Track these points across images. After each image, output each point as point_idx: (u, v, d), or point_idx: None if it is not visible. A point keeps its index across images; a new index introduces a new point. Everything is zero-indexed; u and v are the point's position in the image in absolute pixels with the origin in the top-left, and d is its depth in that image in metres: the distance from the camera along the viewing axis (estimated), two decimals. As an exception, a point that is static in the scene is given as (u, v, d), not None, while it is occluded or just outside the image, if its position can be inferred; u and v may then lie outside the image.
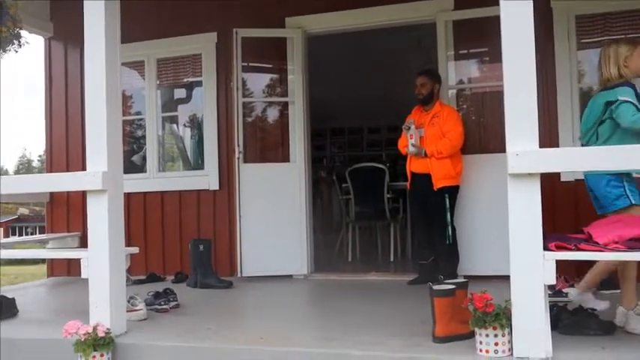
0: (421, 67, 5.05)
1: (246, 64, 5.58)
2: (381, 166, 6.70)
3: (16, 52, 3.98)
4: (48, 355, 3.32)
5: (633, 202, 3.16)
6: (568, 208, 4.68)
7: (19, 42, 4.04)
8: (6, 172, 65.93)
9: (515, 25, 2.68)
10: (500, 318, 2.65)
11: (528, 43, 2.66)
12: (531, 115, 2.65)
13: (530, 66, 2.66)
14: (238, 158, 5.48)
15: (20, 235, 38.11)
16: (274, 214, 5.46)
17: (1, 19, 3.78)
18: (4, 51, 3.95)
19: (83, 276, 3.39)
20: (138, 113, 6.36)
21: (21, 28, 4.04)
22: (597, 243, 2.71)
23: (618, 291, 4.20)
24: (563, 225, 3.81)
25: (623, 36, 4.94)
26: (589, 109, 3.42)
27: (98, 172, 3.29)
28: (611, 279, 4.24)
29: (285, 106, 5.74)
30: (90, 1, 3.36)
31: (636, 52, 3.25)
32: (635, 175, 3.27)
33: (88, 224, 3.38)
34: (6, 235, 38.48)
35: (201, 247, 5.17)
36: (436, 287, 2.99)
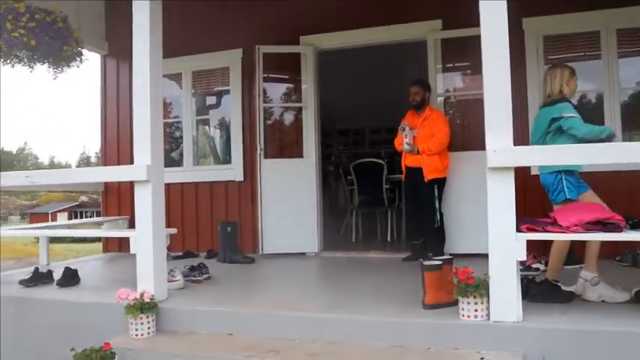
0: (414, 78, 5.01)
1: (266, 75, 5.56)
2: (380, 161, 6.67)
3: (78, 67, 4.00)
4: (104, 316, 3.36)
5: (567, 196, 3.18)
6: (536, 197, 4.60)
7: (81, 59, 4.05)
8: (69, 166, 66.48)
9: (493, 44, 2.68)
10: (480, 288, 2.65)
11: (504, 59, 2.65)
12: (507, 117, 2.64)
13: (506, 78, 2.65)
14: (260, 154, 5.48)
15: (80, 217, 38.56)
16: (290, 201, 5.44)
17: (67, 40, 3.80)
18: (69, 67, 3.97)
19: (132, 252, 3.42)
20: (176, 117, 6.37)
21: (82, 48, 4.05)
22: (561, 226, 2.70)
23: (580, 266, 4.20)
24: (532, 211, 3.76)
25: (583, 53, 4.92)
26: (536, 124, 3.44)
27: (143, 166, 3.31)
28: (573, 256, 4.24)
29: (299, 111, 5.72)
30: (137, 24, 3.37)
31: (574, 78, 3.35)
32: (580, 170, 3.30)
33: (135, 209, 3.40)
34: (69, 218, 38.92)
35: (229, 228, 5.18)
36: (426, 263, 2.99)
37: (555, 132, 3.24)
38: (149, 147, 3.34)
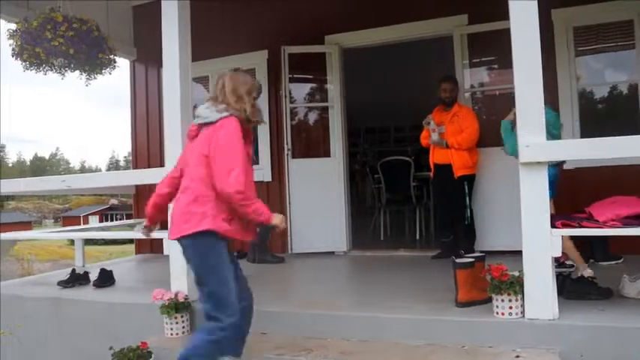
0: (442, 75, 4.96)
1: (292, 75, 5.58)
2: (407, 159, 6.63)
3: (110, 74, 4.11)
4: (140, 315, 3.44)
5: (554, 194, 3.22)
6: (568, 192, 4.54)
7: (114, 66, 4.16)
8: (99, 170, 68.15)
9: (524, 38, 2.62)
10: (514, 285, 2.62)
11: (535, 53, 2.61)
12: (539, 112, 2.60)
13: (538, 72, 2.60)
14: (287, 154, 5.51)
15: (111, 220, 39.45)
16: (318, 200, 5.45)
17: (102, 48, 3.91)
18: (102, 74, 4.08)
19: (165, 253, 3.49)
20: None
21: (115, 55, 4.16)
22: (597, 221, 2.65)
23: (616, 262, 4.10)
24: (564, 206, 3.69)
25: (614, 43, 4.79)
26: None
27: (176, 168, 3.36)
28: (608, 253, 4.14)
29: (325, 110, 5.72)
30: (167, 30, 3.44)
31: None
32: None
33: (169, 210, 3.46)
34: (100, 221, 39.90)
35: (259, 229, 5.21)
36: (458, 260, 2.97)
37: None
38: (180, 149, 3.39)
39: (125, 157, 72.42)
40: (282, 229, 2.55)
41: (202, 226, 2.34)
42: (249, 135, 2.55)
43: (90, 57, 3.98)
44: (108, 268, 4.35)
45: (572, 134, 4.70)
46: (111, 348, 2.97)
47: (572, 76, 4.79)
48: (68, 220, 43.44)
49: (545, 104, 3.05)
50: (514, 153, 3.00)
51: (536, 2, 2.59)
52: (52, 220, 48.84)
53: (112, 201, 46.57)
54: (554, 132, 3.38)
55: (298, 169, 5.52)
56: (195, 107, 2.75)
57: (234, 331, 2.37)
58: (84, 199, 47.27)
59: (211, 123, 2.43)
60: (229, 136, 2.36)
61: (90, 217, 43.23)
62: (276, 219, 2.45)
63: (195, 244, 2.39)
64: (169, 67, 3.45)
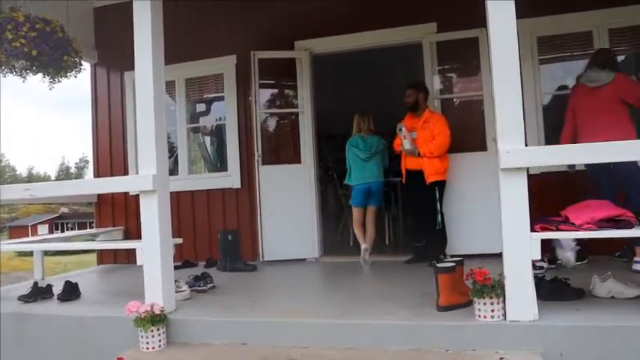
0: (409, 81, 5.05)
1: (262, 81, 5.55)
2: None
3: (76, 77, 3.94)
4: (111, 329, 3.30)
5: None
6: (535, 197, 4.70)
7: (79, 69, 4.00)
8: (48, 178, 65.31)
9: (503, 45, 2.70)
10: (496, 289, 2.68)
11: (514, 60, 2.69)
12: (518, 119, 2.67)
13: (516, 79, 2.69)
14: (257, 161, 5.46)
15: (62, 230, 37.88)
16: (289, 207, 5.43)
17: (67, 50, 3.75)
18: (66, 77, 3.91)
19: (138, 263, 3.37)
20: (168, 125, 6.30)
21: (81, 58, 4.00)
22: (573, 224, 2.75)
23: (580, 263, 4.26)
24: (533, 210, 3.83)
25: (570, 53, 5.02)
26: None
27: (149, 175, 3.28)
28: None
29: (295, 116, 5.71)
30: (139, 30, 3.33)
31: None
32: None
33: (142, 220, 3.36)
34: (50, 231, 38.23)
35: (230, 236, 5.14)
36: (439, 265, 3.01)
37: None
38: (154, 156, 3.31)
39: (77, 163, 69.75)
40: None
41: None
42: None
43: (54, 59, 3.80)
44: (73, 281, 4.16)
45: (538, 141, 4.87)
46: (84, 365, 2.84)
47: (537, 83, 4.97)
48: (16, 230, 41.39)
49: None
50: None
51: (514, 14, 2.67)
52: (-3, 231, 46.41)
53: (63, 209, 44.75)
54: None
55: (269, 175, 5.47)
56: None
57: None
58: (32, 208, 45.10)
59: None
60: None
61: (39, 226, 41.35)
62: None
63: None
64: (141, 70, 3.33)
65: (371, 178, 5.01)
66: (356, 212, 5.12)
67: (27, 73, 3.96)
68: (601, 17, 4.80)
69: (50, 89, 4.05)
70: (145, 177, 3.28)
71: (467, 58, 5.07)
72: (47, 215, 44.81)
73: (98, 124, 6.41)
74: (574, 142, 4.02)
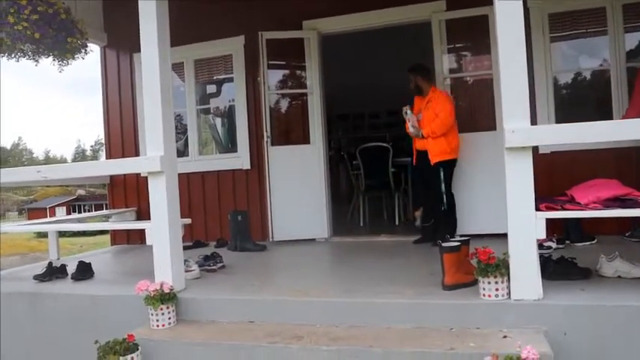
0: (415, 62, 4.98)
1: (270, 61, 5.52)
2: (386, 145, 6.68)
3: (83, 59, 3.97)
4: (122, 308, 3.38)
5: None
6: (545, 176, 4.66)
7: (86, 51, 4.01)
8: (64, 161, 66.21)
9: (509, 21, 2.64)
10: (500, 268, 2.68)
11: (520, 39, 2.64)
12: (524, 98, 2.64)
13: (522, 58, 2.64)
14: (267, 142, 5.47)
15: (79, 211, 38.53)
16: (299, 187, 5.45)
17: (72, 32, 3.76)
18: (74, 59, 3.93)
19: (148, 243, 3.43)
20: (178, 107, 6.33)
21: (87, 39, 4.01)
22: (579, 203, 2.73)
23: (590, 243, 4.24)
24: (541, 190, 3.80)
25: (585, 30, 4.90)
26: None
27: (157, 156, 3.31)
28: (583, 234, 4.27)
29: (304, 97, 5.68)
30: (144, 8, 3.32)
31: None
32: None
33: (150, 200, 3.40)
34: (67, 213, 38.90)
35: (240, 217, 5.19)
36: (445, 244, 3.01)
37: None
38: (162, 138, 3.34)
39: (92, 146, 70.54)
40: None
41: None
42: None
43: (57, 41, 3.82)
44: (86, 261, 4.25)
45: (548, 119, 4.81)
46: (96, 342, 2.91)
47: (548, 62, 4.88)
48: (34, 212, 42.22)
49: None
50: None
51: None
52: (17, 213, 47.34)
53: (80, 192, 45.42)
54: None
55: (278, 156, 5.48)
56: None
57: None
58: (50, 190, 45.88)
59: None
60: None
61: (57, 208, 42.08)
62: None
63: None
64: (148, 52, 3.34)
65: None
66: None
67: (39, 57, 4.02)
68: (615, -8, 4.68)
69: (60, 72, 4.09)
70: (152, 158, 3.32)
71: (476, 37, 4.98)
72: (65, 197, 45.57)
73: (109, 106, 6.46)
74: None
